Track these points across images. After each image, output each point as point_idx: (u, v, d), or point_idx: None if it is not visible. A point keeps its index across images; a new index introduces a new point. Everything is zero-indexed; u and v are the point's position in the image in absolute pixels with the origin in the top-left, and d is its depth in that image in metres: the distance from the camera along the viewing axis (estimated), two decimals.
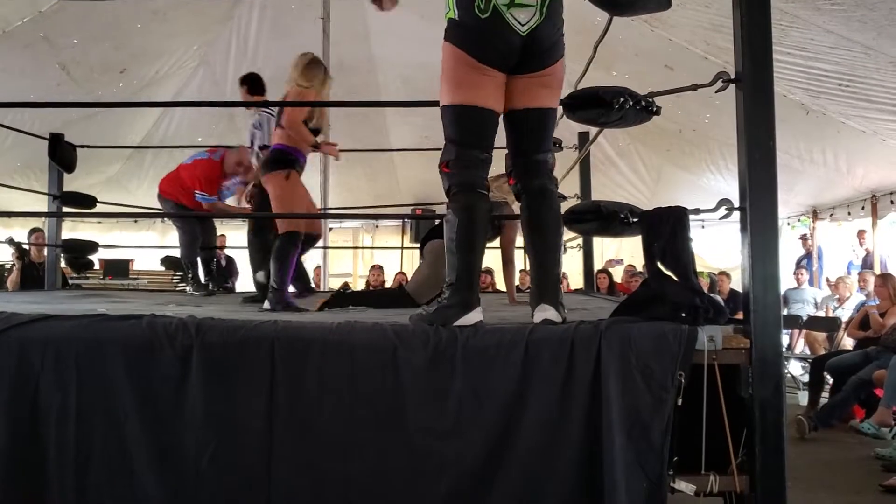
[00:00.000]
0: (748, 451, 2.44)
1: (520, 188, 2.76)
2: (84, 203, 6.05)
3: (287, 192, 4.17)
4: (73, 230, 10.42)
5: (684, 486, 2.38)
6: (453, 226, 2.60)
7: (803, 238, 10.51)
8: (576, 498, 2.36)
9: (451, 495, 2.35)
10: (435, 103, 2.79)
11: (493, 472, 2.36)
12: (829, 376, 6.39)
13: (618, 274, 10.34)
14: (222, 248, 9.54)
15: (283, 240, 4.04)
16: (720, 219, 2.66)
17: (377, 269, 9.72)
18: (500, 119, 2.73)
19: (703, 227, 9.88)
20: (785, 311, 9.12)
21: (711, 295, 2.64)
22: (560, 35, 2.69)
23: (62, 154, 5.85)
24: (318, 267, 9.69)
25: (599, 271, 9.65)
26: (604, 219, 2.65)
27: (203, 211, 5.95)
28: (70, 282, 7.98)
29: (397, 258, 11.61)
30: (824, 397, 6.40)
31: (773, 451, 2.41)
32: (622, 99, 2.57)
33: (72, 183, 6.76)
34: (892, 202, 8.31)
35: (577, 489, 2.36)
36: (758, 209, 2.46)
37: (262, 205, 4.89)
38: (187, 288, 5.60)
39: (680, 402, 2.35)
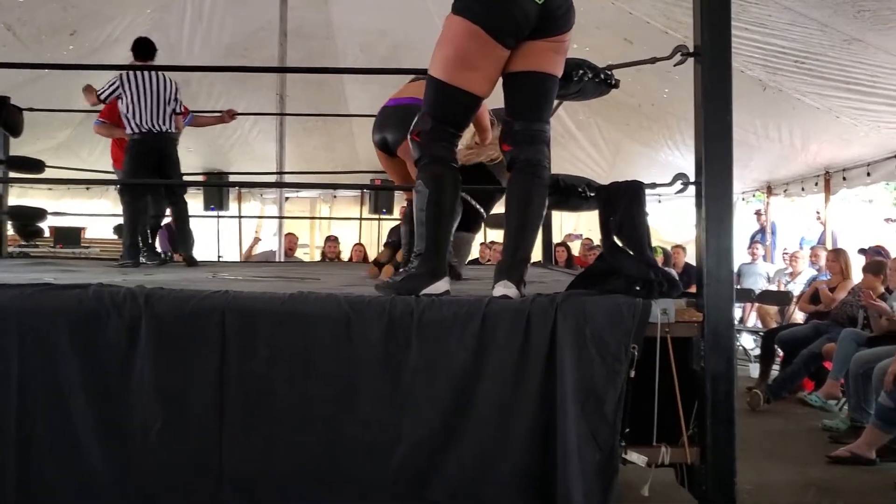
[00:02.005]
0: (699, 424, 2.47)
1: (512, 157, 2.66)
2: (32, 168, 5.89)
3: None
4: (21, 196, 10.17)
5: (636, 457, 2.40)
6: (423, 196, 2.58)
7: (758, 213, 10.66)
8: (530, 469, 2.37)
9: (405, 467, 2.34)
10: (393, 71, 2.75)
11: (448, 444, 2.35)
12: (779, 349, 6.51)
13: (576, 248, 10.40)
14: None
15: None
16: (676, 193, 2.67)
17: (333, 241, 9.64)
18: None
19: (659, 201, 9.97)
20: (738, 286, 9.27)
21: (666, 269, 2.67)
22: (571, 1, 2.64)
23: (7, 117, 5.64)
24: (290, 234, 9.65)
25: (558, 245, 9.69)
26: (561, 192, 2.65)
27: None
28: (17, 250, 7.77)
29: (356, 229, 11.53)
30: (775, 370, 6.52)
31: (724, 423, 2.44)
32: (581, 71, 2.56)
33: (20, 148, 6.56)
34: (843, 178, 8.44)
35: (531, 460, 2.37)
36: (713, 184, 2.47)
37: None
38: (140, 258, 5.49)
39: (633, 374, 2.36)
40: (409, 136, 2.69)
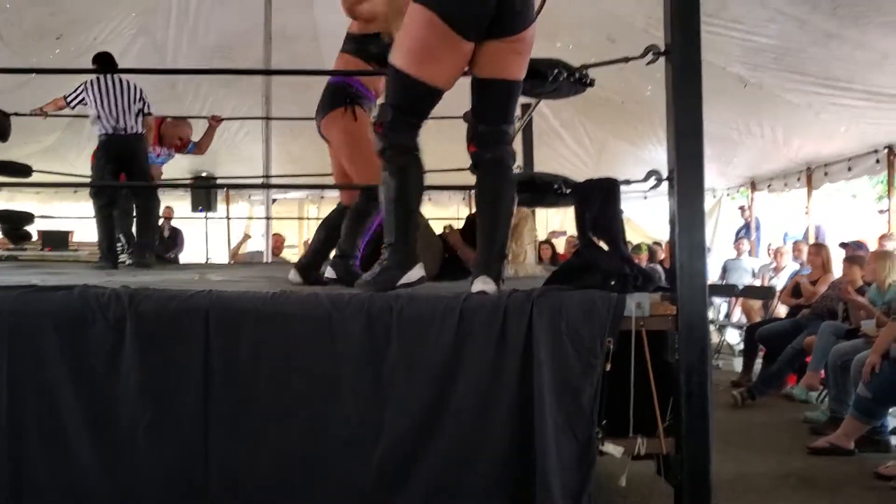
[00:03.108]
0: (674, 415, 2.52)
1: (478, 157, 2.72)
2: (19, 172, 5.91)
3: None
4: (10, 201, 10.17)
5: (612, 448, 2.46)
6: (390, 187, 2.62)
7: (742, 209, 10.74)
8: (509, 461, 2.42)
9: (387, 461, 2.39)
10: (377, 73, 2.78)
11: (428, 437, 2.40)
12: (760, 344, 6.58)
13: (561, 245, 10.45)
14: (168, 218, 9.45)
15: None
16: (649, 189, 2.72)
17: None
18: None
19: (645, 197, 10.04)
20: (724, 281, 9.34)
21: (652, 265, 2.75)
22: None
23: None
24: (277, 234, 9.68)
25: (542, 242, 9.74)
26: (538, 190, 2.70)
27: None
28: (5, 254, 7.78)
29: None
30: (758, 364, 6.58)
31: (699, 414, 2.49)
32: (556, 71, 2.60)
33: (7, 152, 6.58)
34: (825, 174, 8.54)
35: (510, 452, 2.42)
36: (685, 180, 2.52)
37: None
38: (126, 259, 5.53)
39: (609, 367, 2.41)
40: (372, 128, 2.72)
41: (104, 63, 5.63)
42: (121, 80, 5.53)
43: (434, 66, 2.57)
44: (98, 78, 5.49)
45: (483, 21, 2.54)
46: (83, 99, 5.51)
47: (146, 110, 5.66)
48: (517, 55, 2.64)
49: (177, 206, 10.21)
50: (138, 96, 5.58)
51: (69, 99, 5.60)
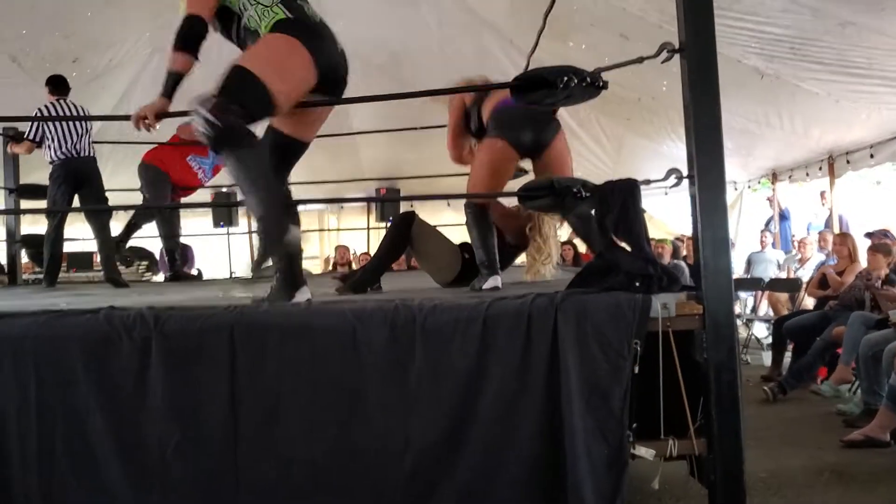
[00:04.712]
0: (705, 415, 2.50)
1: None
2: (40, 193, 6.00)
3: None
4: (34, 224, 10.27)
5: (644, 451, 2.44)
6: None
7: (770, 200, 10.60)
8: (539, 468, 2.41)
9: (416, 472, 2.39)
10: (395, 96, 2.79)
11: (457, 447, 2.40)
12: (788, 338, 6.50)
13: (583, 245, 10.36)
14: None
15: None
16: (670, 188, 2.70)
17: (343, 249, 9.71)
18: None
19: (665, 193, 9.97)
20: (749, 274, 9.26)
21: (676, 261, 2.72)
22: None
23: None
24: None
25: (564, 243, 9.69)
26: (557, 195, 2.67)
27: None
28: (33, 277, 7.88)
29: (363, 239, 11.59)
30: (788, 357, 6.51)
31: (730, 412, 2.47)
32: (566, 78, 2.59)
33: (29, 175, 6.67)
34: (847, 162, 8.43)
35: (539, 459, 2.41)
36: (705, 176, 2.50)
37: None
38: (152, 276, 5.64)
39: (637, 369, 2.40)
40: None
41: (57, 84, 5.70)
42: (71, 105, 5.62)
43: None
44: (48, 105, 5.55)
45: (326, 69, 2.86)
46: (39, 128, 5.56)
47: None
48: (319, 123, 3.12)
49: (198, 223, 10.28)
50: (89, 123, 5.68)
51: (30, 136, 5.62)
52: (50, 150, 5.52)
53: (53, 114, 5.52)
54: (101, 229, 5.70)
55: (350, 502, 2.42)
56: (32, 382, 2.44)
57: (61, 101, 5.59)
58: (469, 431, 2.39)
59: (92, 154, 5.66)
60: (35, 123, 5.58)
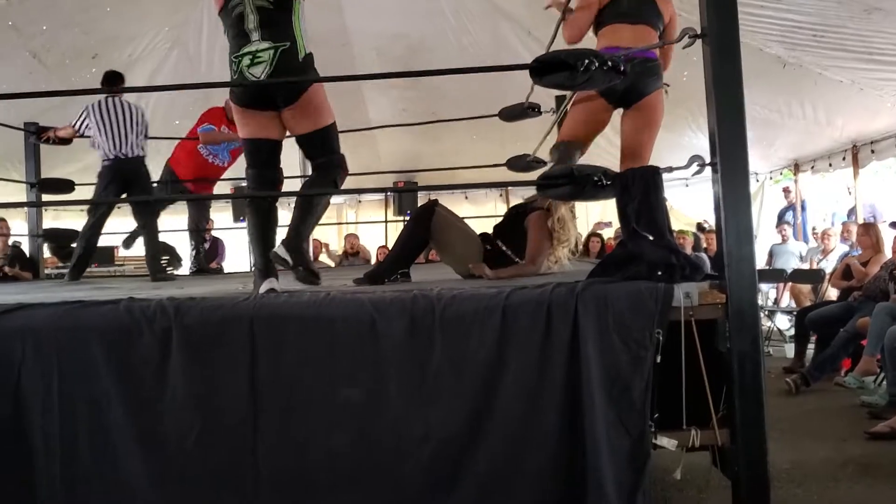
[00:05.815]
0: (728, 405, 2.47)
1: None
2: (62, 187, 6.04)
3: None
4: (56, 219, 10.36)
5: (666, 441, 2.41)
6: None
7: (785, 190, 10.49)
8: (559, 459, 2.39)
9: (435, 463, 2.38)
10: (412, 73, 2.77)
11: (476, 437, 2.38)
12: (811, 330, 6.43)
13: (609, 235, 10.29)
14: (209, 230, 9.57)
15: None
16: (692, 175, 2.66)
17: (352, 237, 9.78)
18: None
19: (686, 185, 9.91)
20: (770, 266, 9.16)
21: (697, 253, 2.69)
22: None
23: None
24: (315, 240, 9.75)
25: (591, 235, 9.65)
26: (577, 182, 2.64)
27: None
28: (55, 271, 7.94)
29: (382, 232, 11.58)
30: (810, 348, 6.45)
31: (753, 403, 2.44)
32: (587, 61, 2.55)
33: (51, 171, 6.72)
34: (872, 151, 8.31)
35: (560, 450, 2.39)
36: (728, 164, 2.46)
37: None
38: (174, 271, 5.67)
39: (659, 359, 2.37)
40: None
41: (111, 82, 5.70)
42: (123, 103, 5.62)
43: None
44: (99, 102, 5.57)
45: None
46: (87, 123, 5.60)
47: (147, 133, 5.79)
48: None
49: (218, 218, 10.30)
50: (140, 119, 5.67)
51: (74, 124, 5.68)
52: (101, 149, 5.56)
53: (104, 111, 5.53)
54: (145, 228, 5.74)
55: (369, 493, 2.41)
56: (55, 373, 2.45)
57: (114, 99, 5.58)
58: (489, 423, 2.37)
59: (140, 154, 5.64)
60: (82, 115, 5.60)
